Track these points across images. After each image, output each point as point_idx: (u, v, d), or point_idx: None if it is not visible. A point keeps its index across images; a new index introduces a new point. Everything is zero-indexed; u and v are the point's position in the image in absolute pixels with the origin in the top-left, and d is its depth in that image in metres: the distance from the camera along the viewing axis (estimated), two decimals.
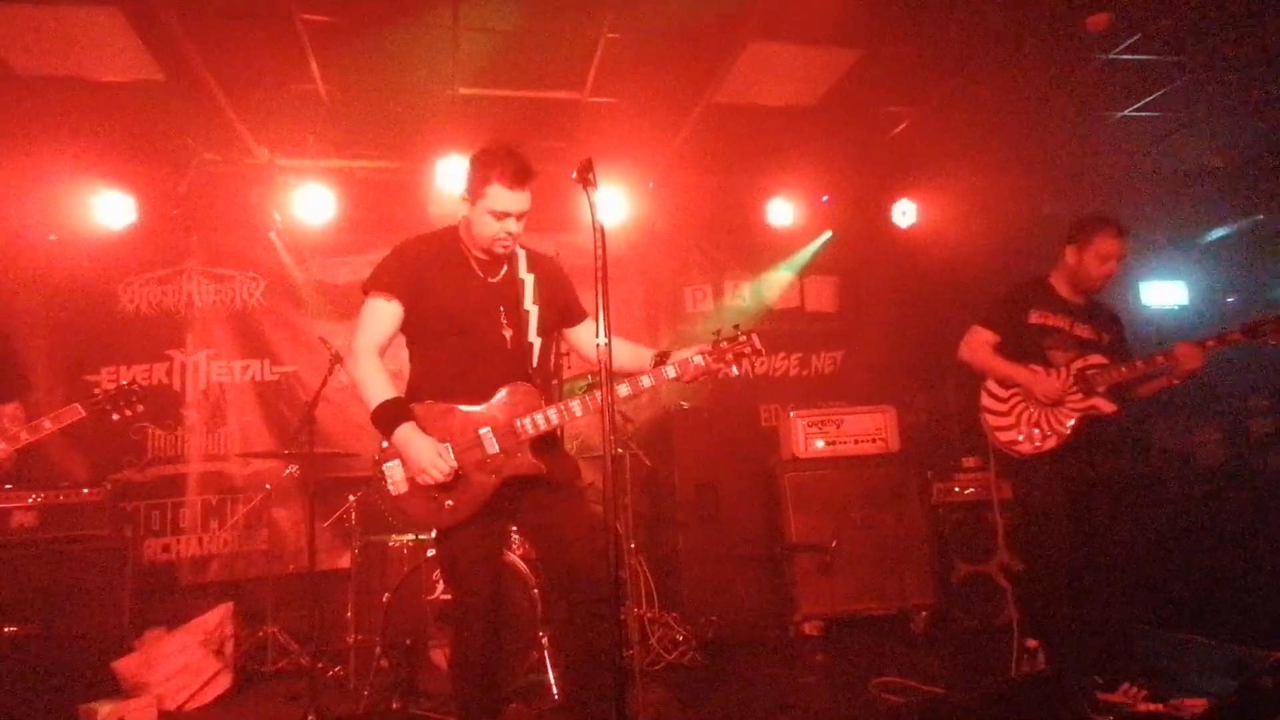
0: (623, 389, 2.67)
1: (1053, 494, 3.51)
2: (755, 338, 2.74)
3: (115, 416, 3.19)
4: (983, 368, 3.69)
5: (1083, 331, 3.60)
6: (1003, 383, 3.64)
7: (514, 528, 3.35)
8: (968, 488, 4.93)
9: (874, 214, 6.04)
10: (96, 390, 3.86)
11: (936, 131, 5.27)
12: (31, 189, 4.84)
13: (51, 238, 4.89)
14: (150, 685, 3.94)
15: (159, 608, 4.59)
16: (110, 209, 4.90)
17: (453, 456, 2.56)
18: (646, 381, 2.70)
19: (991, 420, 3.64)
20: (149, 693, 3.89)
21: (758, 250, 6.20)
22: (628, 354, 2.80)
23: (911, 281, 6.22)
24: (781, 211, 5.83)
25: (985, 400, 3.68)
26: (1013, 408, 3.60)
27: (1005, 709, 2.70)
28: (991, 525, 4.59)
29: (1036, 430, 3.52)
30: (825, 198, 6.04)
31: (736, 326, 2.77)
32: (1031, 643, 3.57)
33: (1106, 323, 3.68)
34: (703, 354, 2.71)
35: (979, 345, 3.69)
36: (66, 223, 4.93)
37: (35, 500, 4.09)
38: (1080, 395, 3.50)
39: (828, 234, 6.21)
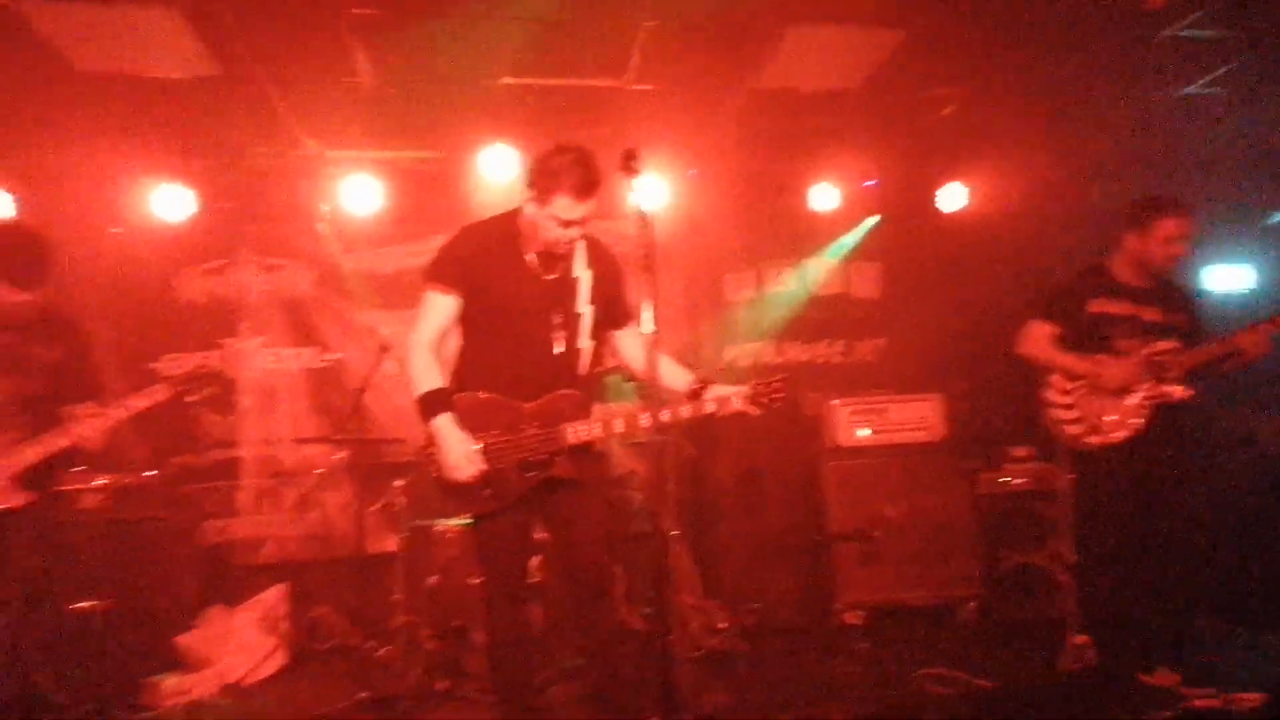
0: (664, 415, 2.68)
1: (1118, 486, 3.41)
2: (788, 384, 2.81)
3: (193, 398, 3.25)
4: (1044, 362, 3.58)
5: (1151, 315, 3.46)
6: (1067, 375, 3.52)
7: None
8: (1017, 477, 4.84)
9: (921, 198, 5.92)
10: (175, 371, 4.03)
11: (986, 113, 5.13)
12: (95, 184, 5.00)
13: (114, 231, 5.07)
14: (212, 660, 4.10)
15: (217, 587, 4.75)
16: (169, 202, 5.04)
17: (482, 460, 2.59)
18: (686, 412, 2.77)
19: (1057, 414, 3.53)
20: (211, 667, 4.06)
21: (800, 236, 6.12)
22: (668, 371, 2.84)
23: (959, 267, 6.09)
24: (825, 197, 5.75)
25: (1049, 394, 3.57)
26: (1079, 400, 3.49)
27: (1058, 703, 2.66)
28: (1043, 516, 4.52)
29: (1104, 422, 3.41)
30: (870, 182, 5.94)
31: (774, 374, 2.84)
32: (1080, 638, 3.51)
33: (1178, 303, 3.53)
34: (741, 397, 2.76)
35: (1038, 339, 3.59)
36: (128, 216, 5.10)
37: (104, 483, 4.29)
38: (1151, 383, 3.37)
39: (874, 219, 6.11)
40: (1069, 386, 3.52)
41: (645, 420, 2.51)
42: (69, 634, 3.84)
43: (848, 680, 3.74)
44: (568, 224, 2.65)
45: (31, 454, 2.87)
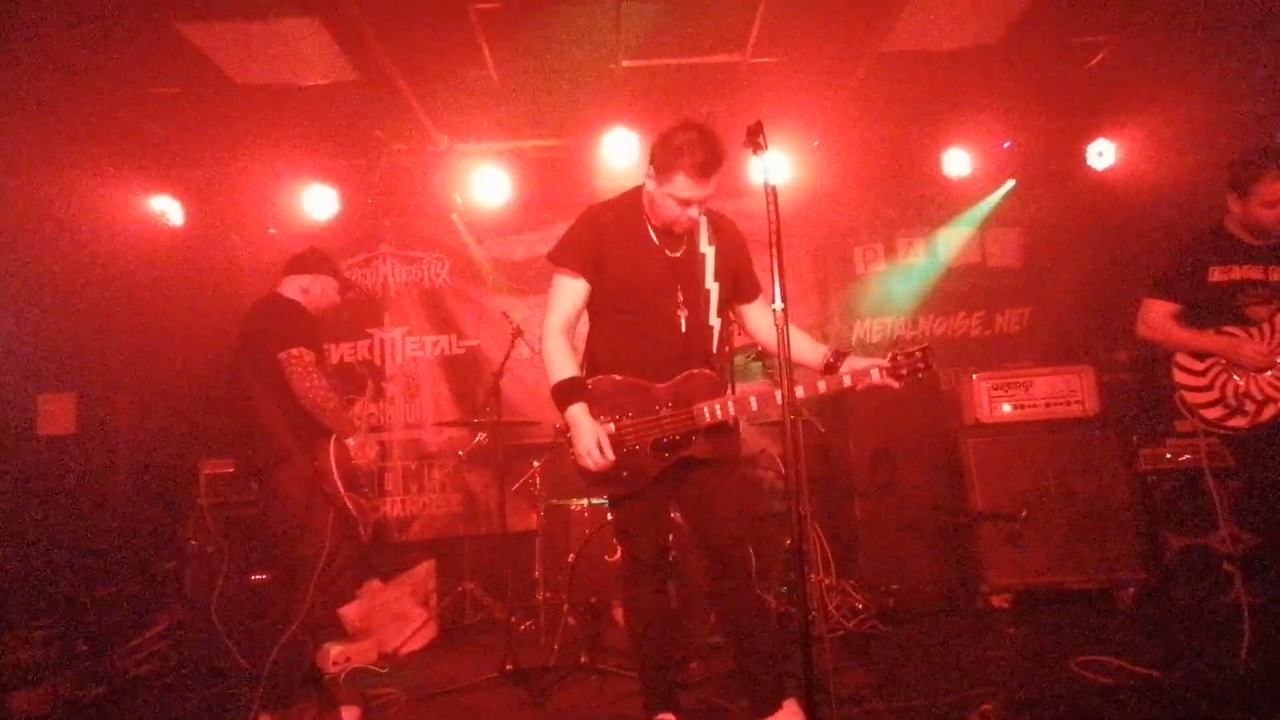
0: (799, 391, 2.64)
1: None
2: (930, 355, 2.68)
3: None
4: (1168, 344, 3.30)
5: None
6: (1196, 355, 3.24)
7: None
8: (1182, 454, 4.47)
9: (1065, 158, 5.54)
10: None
11: (1141, 59, 4.72)
12: (252, 189, 5.41)
13: (271, 231, 5.46)
14: (370, 630, 4.40)
15: (373, 562, 5.08)
16: (317, 202, 5.39)
17: (612, 451, 2.59)
18: (823, 387, 2.70)
19: (1191, 398, 3.25)
20: (370, 637, 4.35)
21: (933, 204, 5.88)
22: (800, 346, 2.77)
23: (1110, 228, 5.66)
24: (958, 162, 5.47)
25: (1178, 376, 3.29)
26: (1213, 380, 3.20)
27: (1237, 696, 2.44)
28: (1215, 495, 4.16)
29: (1249, 401, 3.12)
30: (1007, 144, 5.60)
31: (913, 344, 2.72)
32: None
33: None
34: (880, 370, 2.66)
35: (1157, 320, 3.30)
36: (282, 217, 5.48)
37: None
38: None
39: (1011, 183, 5.78)
40: (1199, 366, 3.24)
41: (779, 397, 2.45)
42: (249, 604, 4.21)
43: (996, 665, 3.58)
44: (686, 203, 2.62)
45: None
